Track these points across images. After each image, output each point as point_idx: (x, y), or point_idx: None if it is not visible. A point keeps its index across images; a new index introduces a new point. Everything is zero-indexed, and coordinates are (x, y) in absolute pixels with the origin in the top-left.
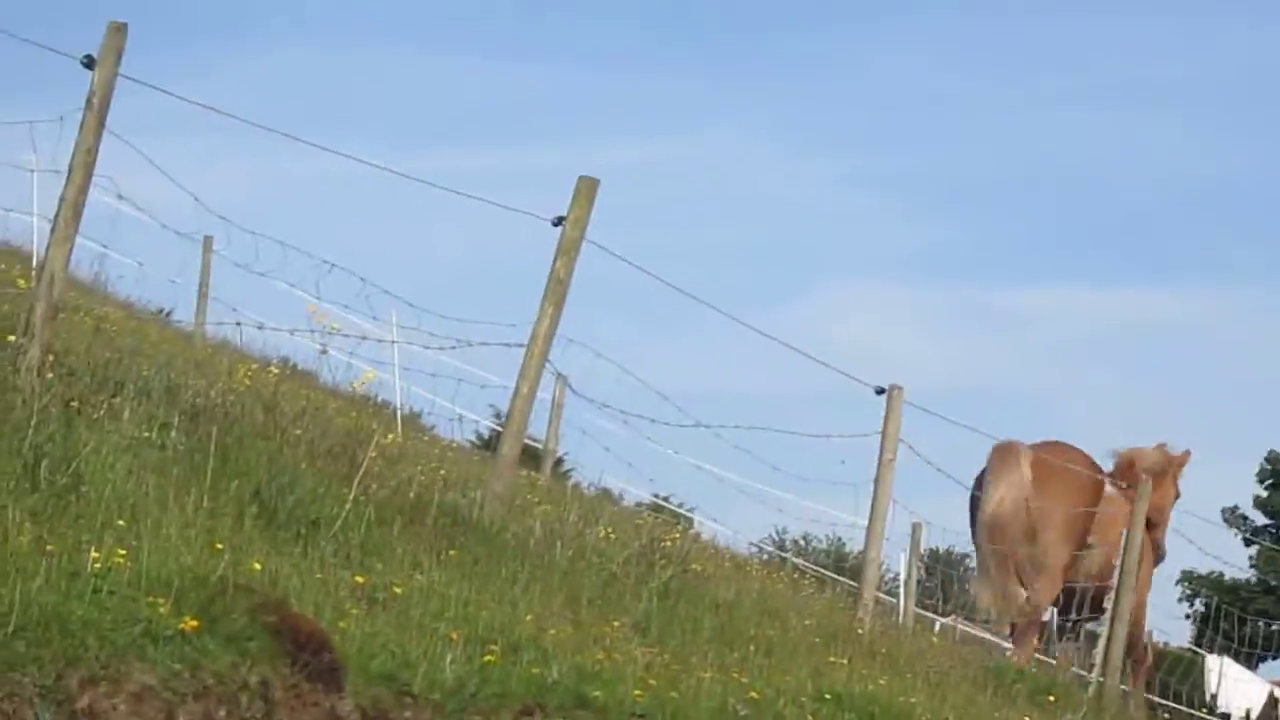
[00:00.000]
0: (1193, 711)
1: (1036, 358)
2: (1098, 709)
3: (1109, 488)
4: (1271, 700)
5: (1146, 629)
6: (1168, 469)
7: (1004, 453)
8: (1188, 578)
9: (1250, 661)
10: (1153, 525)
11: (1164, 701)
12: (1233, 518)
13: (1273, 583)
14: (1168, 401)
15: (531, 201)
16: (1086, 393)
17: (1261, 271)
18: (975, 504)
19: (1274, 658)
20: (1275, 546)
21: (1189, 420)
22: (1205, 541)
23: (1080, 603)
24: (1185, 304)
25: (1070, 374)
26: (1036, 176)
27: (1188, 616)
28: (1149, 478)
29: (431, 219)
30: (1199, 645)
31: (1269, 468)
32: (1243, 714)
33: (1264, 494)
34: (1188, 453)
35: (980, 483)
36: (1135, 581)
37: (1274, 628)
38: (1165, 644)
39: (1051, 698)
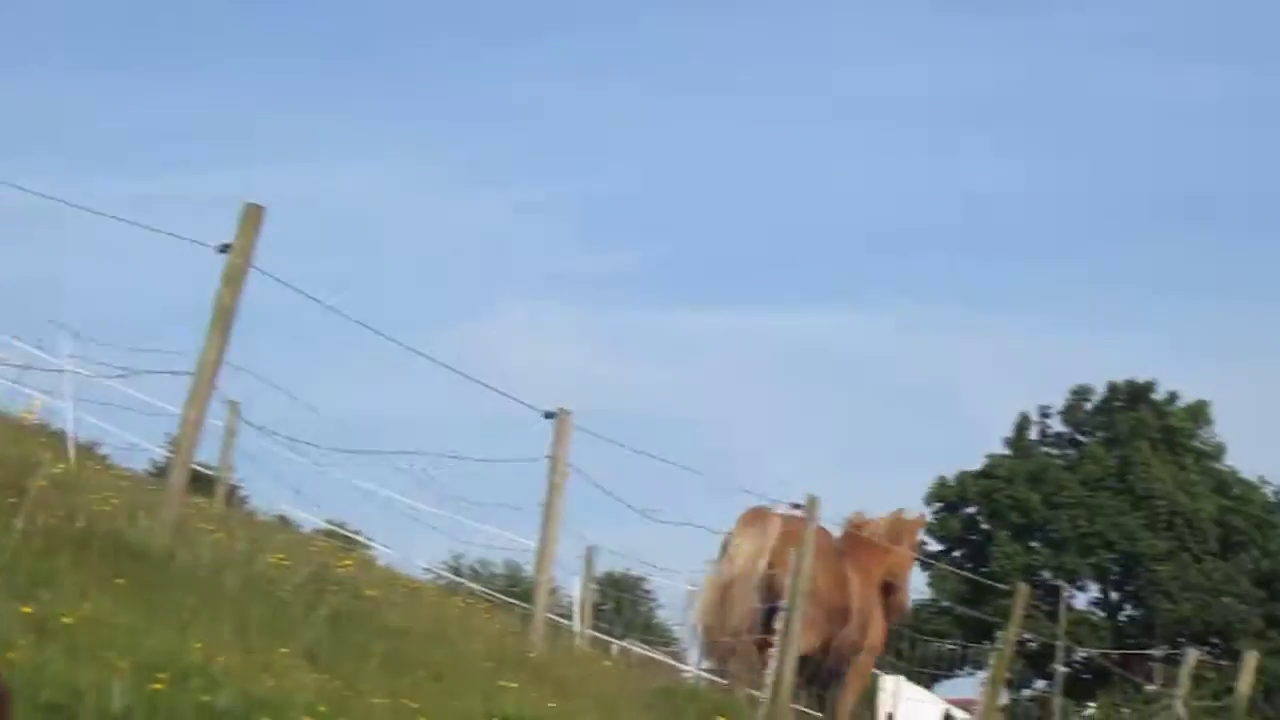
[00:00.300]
0: None
1: (711, 380)
2: None
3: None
4: (946, 718)
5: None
6: (901, 532)
7: (750, 518)
8: None
9: (925, 681)
10: (894, 587)
11: None
12: None
13: (945, 603)
14: (840, 423)
15: (201, 229)
16: (759, 414)
17: (931, 290)
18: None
19: (948, 677)
20: (948, 568)
21: (865, 442)
22: None
23: (822, 659)
24: (859, 326)
25: (743, 396)
26: (707, 199)
27: None
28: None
29: (99, 247)
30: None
31: (936, 494)
32: None
33: (933, 519)
34: (922, 517)
35: (725, 546)
36: (800, 606)
37: (948, 647)
38: None
39: (722, 718)
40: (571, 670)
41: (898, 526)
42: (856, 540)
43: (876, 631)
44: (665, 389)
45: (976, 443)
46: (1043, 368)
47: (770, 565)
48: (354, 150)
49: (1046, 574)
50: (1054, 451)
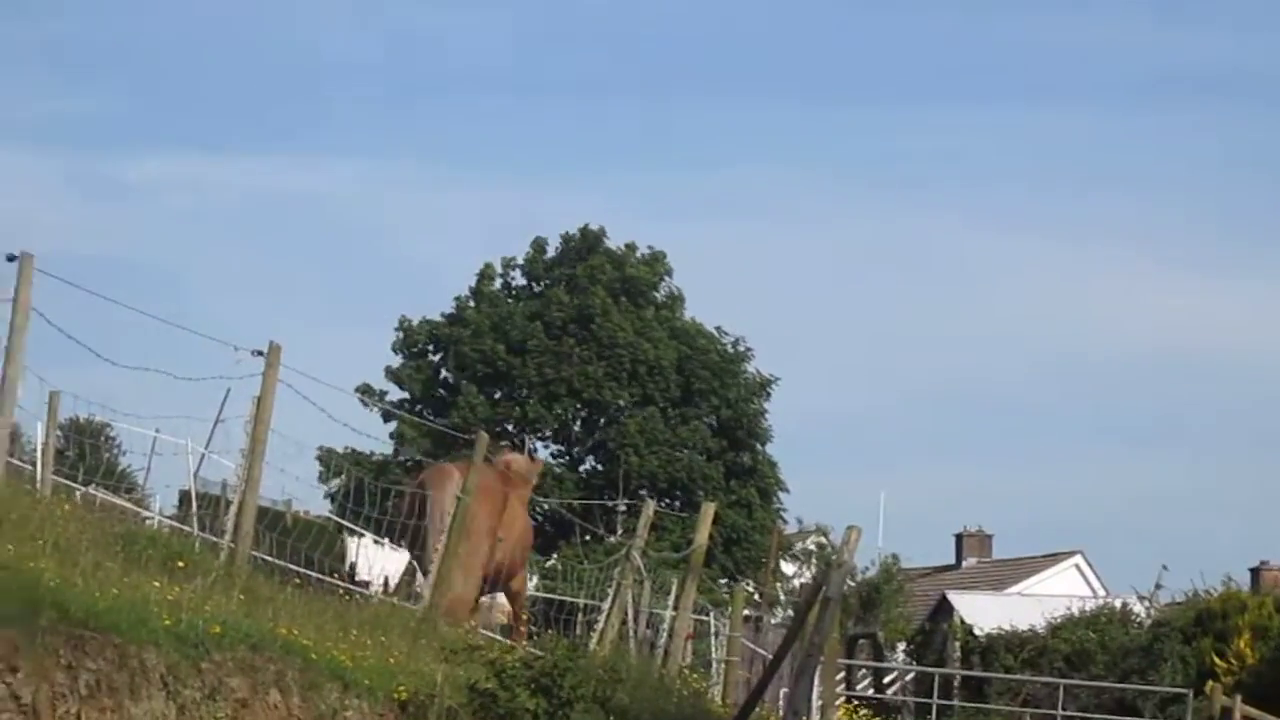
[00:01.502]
0: (331, 580)
1: (165, 227)
2: (228, 574)
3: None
4: (410, 569)
5: (289, 499)
6: (530, 471)
7: (440, 475)
8: (327, 454)
9: (392, 533)
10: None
11: (303, 570)
12: (368, 394)
13: (418, 457)
14: (296, 271)
15: None
16: (219, 263)
17: (380, 144)
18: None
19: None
20: (413, 417)
21: (317, 290)
22: (346, 417)
23: (493, 582)
24: (307, 174)
25: (197, 244)
26: (153, 44)
27: (329, 496)
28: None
29: None
30: (340, 517)
31: (403, 336)
32: (381, 583)
33: (396, 365)
34: (541, 461)
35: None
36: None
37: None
38: (307, 513)
39: (182, 563)
40: (33, 514)
41: (528, 465)
42: (508, 475)
43: (522, 560)
44: (125, 235)
45: (442, 298)
46: (507, 224)
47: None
48: None
49: (511, 426)
50: (517, 303)
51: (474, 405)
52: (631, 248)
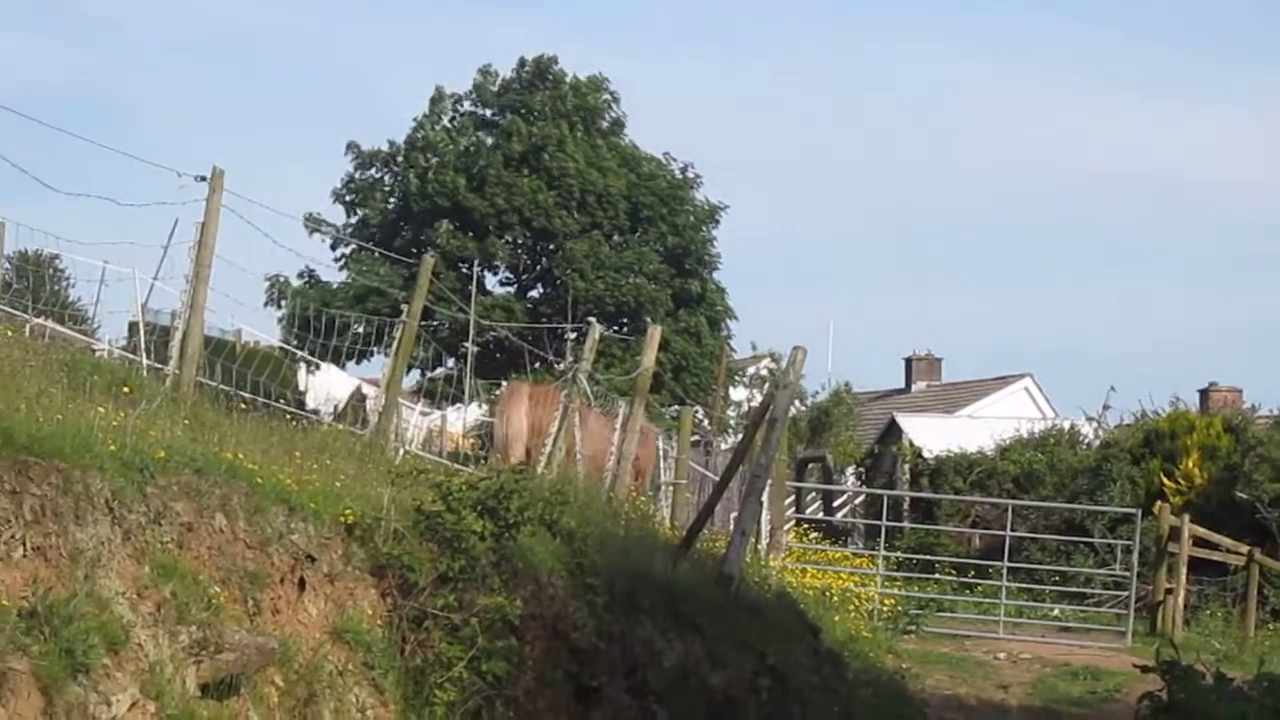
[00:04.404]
0: (282, 406)
1: (121, 58)
2: (173, 399)
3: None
4: (359, 393)
5: (239, 329)
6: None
7: (514, 390)
8: (274, 281)
9: (339, 359)
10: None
11: (254, 397)
12: (314, 222)
13: (364, 281)
14: (253, 101)
15: None
16: (175, 92)
17: None
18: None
19: (364, 356)
20: (364, 244)
21: (271, 118)
22: (293, 246)
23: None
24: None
25: (159, 75)
26: None
27: (280, 321)
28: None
29: None
30: (289, 344)
31: (354, 161)
32: (331, 408)
33: (346, 193)
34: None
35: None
36: None
37: (361, 329)
38: (256, 343)
39: (127, 389)
40: None
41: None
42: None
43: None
44: (75, 67)
45: (390, 126)
46: (448, 53)
47: (532, 428)
48: None
49: (464, 260)
50: (481, 135)
51: (438, 243)
52: (586, 78)
